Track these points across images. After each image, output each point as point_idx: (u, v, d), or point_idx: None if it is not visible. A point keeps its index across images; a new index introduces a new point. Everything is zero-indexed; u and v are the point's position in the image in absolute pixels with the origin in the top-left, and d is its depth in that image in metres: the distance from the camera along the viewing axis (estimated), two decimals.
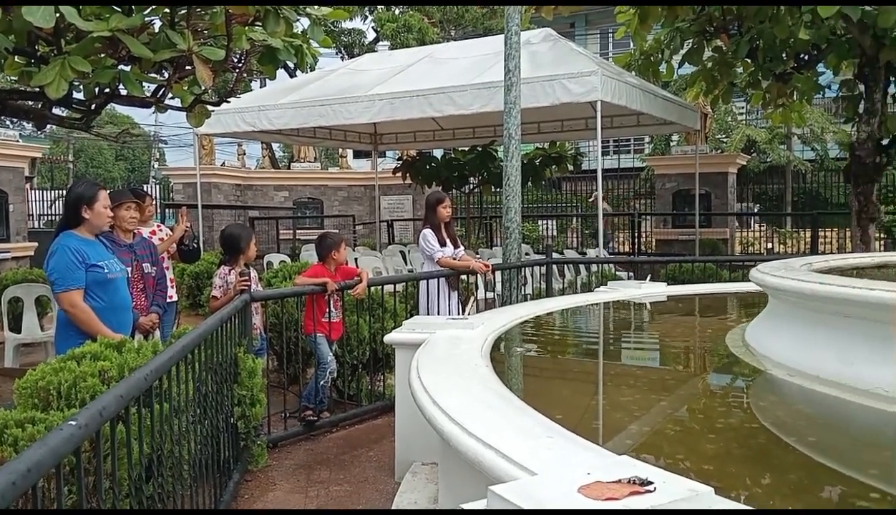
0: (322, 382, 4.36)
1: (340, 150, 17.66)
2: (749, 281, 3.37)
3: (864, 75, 7.96)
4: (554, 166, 11.31)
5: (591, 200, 13.29)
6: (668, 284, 5.83)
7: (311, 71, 10.90)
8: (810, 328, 2.67)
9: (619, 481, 1.36)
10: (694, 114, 10.27)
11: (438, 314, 5.08)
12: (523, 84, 6.35)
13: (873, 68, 7.89)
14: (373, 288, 4.72)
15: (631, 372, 3.18)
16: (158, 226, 5.23)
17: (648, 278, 6.19)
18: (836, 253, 11.17)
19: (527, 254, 10.00)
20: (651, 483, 1.34)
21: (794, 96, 9.23)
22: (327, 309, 4.41)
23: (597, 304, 4.79)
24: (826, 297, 2.51)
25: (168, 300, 4.59)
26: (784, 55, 8.67)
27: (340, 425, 4.48)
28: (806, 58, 8.82)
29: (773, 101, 9.30)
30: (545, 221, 16.75)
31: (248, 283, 3.95)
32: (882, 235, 12.64)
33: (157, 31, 3.53)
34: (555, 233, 16.51)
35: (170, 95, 3.96)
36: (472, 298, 5.79)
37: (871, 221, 8.01)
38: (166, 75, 3.85)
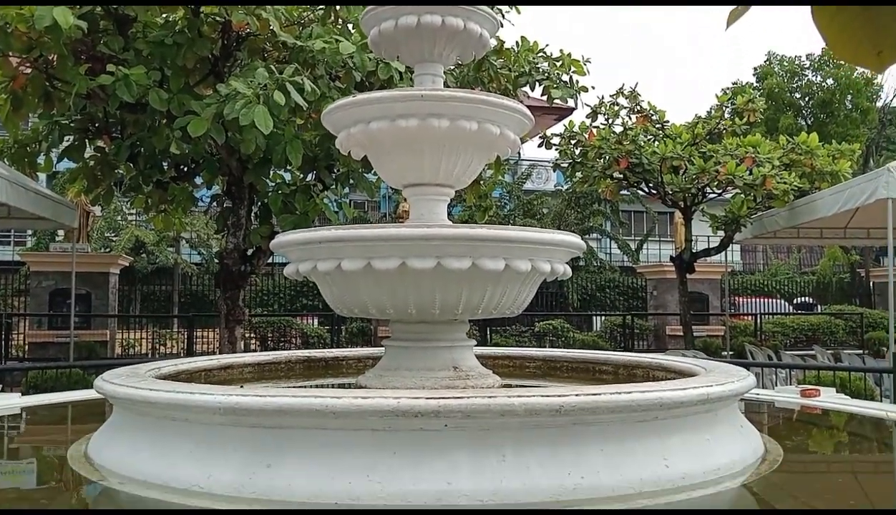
0: None
1: None
2: None
3: (232, 192, 8.91)
4: None
5: None
6: (27, 393, 5.36)
7: None
8: (141, 433, 2.78)
9: None
10: (72, 211, 9.93)
11: None
12: None
13: (240, 187, 8.91)
14: None
15: None
16: None
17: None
18: (212, 351, 12.00)
19: None
20: None
21: (174, 204, 9.73)
22: None
23: None
24: (155, 403, 2.66)
25: None
26: (165, 165, 9.12)
27: None
28: (185, 169, 9.46)
29: (154, 206, 9.63)
30: None
31: None
32: (252, 335, 14.11)
33: None
34: None
35: None
36: None
37: (238, 323, 8.88)
38: None
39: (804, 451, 3.77)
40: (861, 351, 13.76)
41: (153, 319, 16.15)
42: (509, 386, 3.75)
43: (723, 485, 2.64)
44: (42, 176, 16.31)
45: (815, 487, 3.07)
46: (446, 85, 4.76)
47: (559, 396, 2.43)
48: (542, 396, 2.44)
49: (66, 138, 8.91)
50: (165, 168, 9.08)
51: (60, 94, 7.97)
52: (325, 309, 16.92)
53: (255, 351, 12.22)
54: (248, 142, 7.67)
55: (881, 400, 6.61)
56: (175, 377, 3.61)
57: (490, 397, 2.43)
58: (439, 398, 2.41)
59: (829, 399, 4.87)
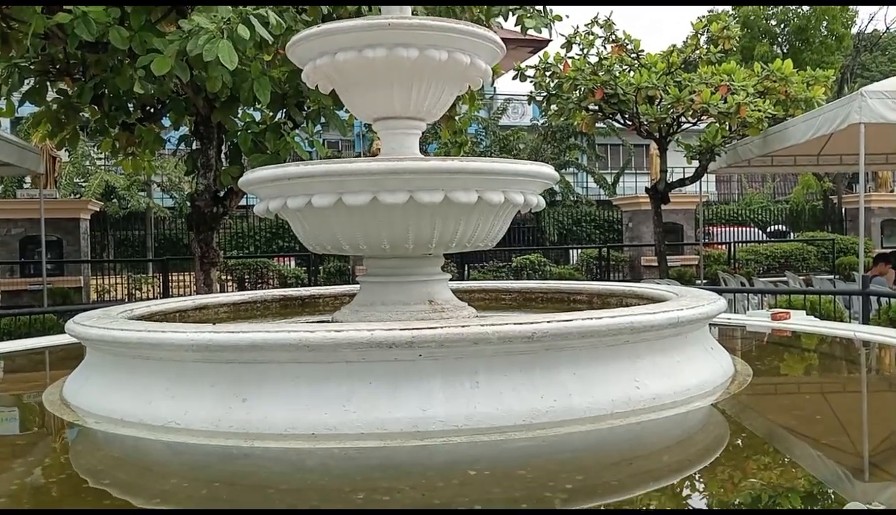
0: None
1: None
2: None
3: (200, 132, 8.72)
4: None
5: None
6: (1, 340, 5.32)
7: None
8: (116, 373, 2.78)
9: None
10: (37, 156, 9.69)
11: None
12: None
13: (207, 127, 8.72)
14: None
15: None
16: None
17: None
18: (188, 295, 11.94)
19: None
20: None
21: (142, 146, 9.51)
22: None
23: None
24: (126, 342, 2.65)
25: None
26: (131, 106, 8.88)
27: None
28: (151, 110, 9.21)
29: (122, 149, 9.41)
30: None
31: None
32: (229, 277, 14.05)
33: None
34: None
35: None
36: None
37: (213, 265, 8.81)
38: None
39: (774, 372, 3.86)
40: (832, 276, 14.03)
41: (128, 264, 16.00)
42: (484, 317, 3.77)
43: (693, 405, 2.70)
44: (5, 121, 15.85)
45: (783, 404, 3.15)
46: (416, 15, 4.65)
47: (531, 323, 2.45)
48: (515, 324, 2.45)
49: (26, 81, 8.62)
50: (131, 109, 8.85)
51: (18, 35, 7.68)
52: (302, 250, 16.85)
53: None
54: (214, 79, 7.46)
55: (850, 322, 6.76)
56: (149, 318, 3.59)
57: (463, 326, 2.45)
58: (413, 329, 2.42)
59: (800, 321, 4.97)
